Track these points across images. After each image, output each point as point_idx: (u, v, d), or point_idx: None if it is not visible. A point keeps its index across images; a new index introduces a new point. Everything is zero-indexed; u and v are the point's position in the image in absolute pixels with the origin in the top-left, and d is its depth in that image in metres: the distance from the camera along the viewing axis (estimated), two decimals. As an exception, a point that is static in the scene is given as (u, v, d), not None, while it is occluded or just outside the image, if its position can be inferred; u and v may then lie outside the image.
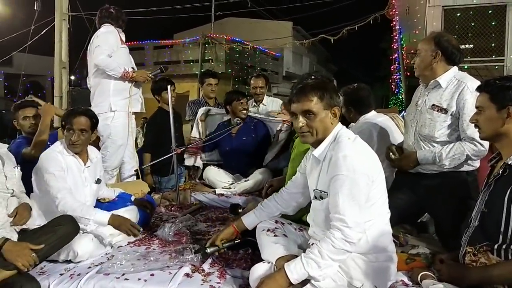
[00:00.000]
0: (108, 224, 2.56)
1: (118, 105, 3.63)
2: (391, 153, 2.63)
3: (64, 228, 2.30)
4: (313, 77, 2.02)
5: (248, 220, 2.26)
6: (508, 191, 1.71)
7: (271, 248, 1.95)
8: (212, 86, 4.73)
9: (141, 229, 2.65)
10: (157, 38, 14.13)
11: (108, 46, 3.60)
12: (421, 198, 2.55)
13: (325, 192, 1.89)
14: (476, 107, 1.94)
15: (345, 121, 2.96)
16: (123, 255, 2.49)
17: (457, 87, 2.41)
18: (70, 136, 2.62)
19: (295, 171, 2.36)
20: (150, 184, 4.07)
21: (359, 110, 3.04)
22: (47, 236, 2.22)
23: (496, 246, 1.74)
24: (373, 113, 3.07)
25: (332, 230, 1.76)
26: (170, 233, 2.74)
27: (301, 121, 1.92)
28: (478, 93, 1.97)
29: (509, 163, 1.78)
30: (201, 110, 4.40)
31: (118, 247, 2.64)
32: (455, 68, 2.50)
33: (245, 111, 4.07)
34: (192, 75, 12.59)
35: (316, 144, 1.97)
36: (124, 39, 3.78)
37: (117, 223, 2.58)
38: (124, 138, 3.63)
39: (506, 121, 1.81)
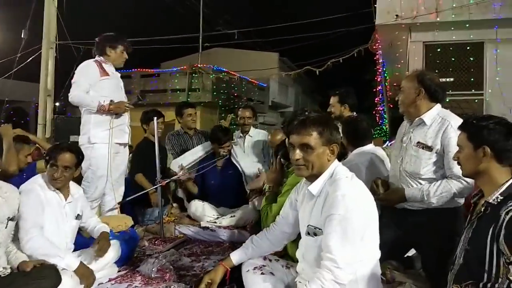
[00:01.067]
0: (74, 271, 2.41)
1: (98, 137, 3.57)
2: (376, 187, 2.62)
3: (48, 282, 2.21)
4: (307, 112, 2.05)
5: (237, 257, 2.21)
6: (490, 230, 1.71)
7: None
8: (192, 116, 4.73)
9: None
10: (144, 66, 14.21)
11: (85, 81, 3.55)
12: (407, 234, 2.55)
13: (319, 229, 1.86)
14: (458, 145, 1.97)
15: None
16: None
17: (441, 125, 2.45)
18: (53, 171, 2.55)
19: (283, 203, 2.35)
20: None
21: (353, 141, 3.05)
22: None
23: (481, 285, 1.72)
24: (370, 146, 3.07)
25: (322, 270, 1.74)
26: (153, 269, 2.67)
27: (298, 153, 1.92)
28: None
29: (490, 201, 1.78)
30: (174, 164, 4.26)
31: (98, 284, 2.56)
32: (438, 105, 2.55)
33: (226, 150, 4.13)
34: (179, 104, 12.62)
35: (311, 178, 1.96)
36: (109, 69, 3.68)
37: (81, 274, 2.43)
38: (104, 170, 3.54)
39: (483, 160, 1.82)
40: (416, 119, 2.55)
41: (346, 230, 1.74)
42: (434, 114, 2.51)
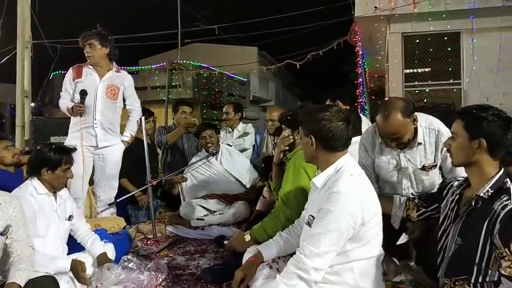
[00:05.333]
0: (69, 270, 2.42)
1: (71, 138, 3.59)
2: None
3: None
4: (305, 107, 2.07)
5: (268, 253, 2.15)
6: (485, 225, 1.70)
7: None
8: (186, 114, 4.71)
9: (92, 283, 2.48)
10: (122, 64, 13.97)
11: (63, 88, 3.70)
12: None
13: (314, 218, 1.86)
14: (451, 132, 1.94)
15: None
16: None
17: (433, 138, 2.43)
18: (67, 174, 2.58)
19: (295, 186, 2.37)
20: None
21: None
22: None
23: (472, 279, 1.74)
24: (359, 137, 3.08)
25: (292, 258, 1.81)
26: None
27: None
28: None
29: (480, 195, 1.76)
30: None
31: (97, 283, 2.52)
32: (417, 115, 2.41)
33: (210, 145, 4.11)
34: (159, 101, 12.45)
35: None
36: (86, 71, 3.65)
37: (72, 268, 2.43)
38: (79, 170, 3.47)
39: (476, 151, 1.79)
40: (411, 143, 2.44)
41: (329, 224, 1.74)
42: (421, 132, 2.44)
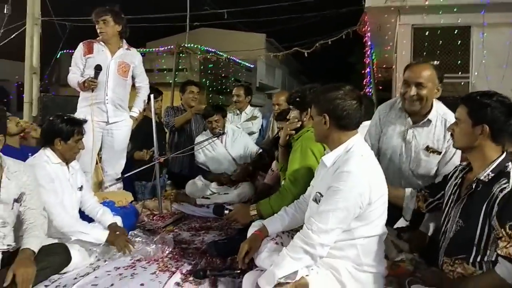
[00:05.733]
0: (106, 241, 2.57)
1: (80, 113, 3.61)
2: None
3: (58, 259, 2.29)
4: (314, 88, 2.10)
5: (273, 228, 2.19)
6: (484, 207, 1.77)
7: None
8: (194, 94, 4.75)
9: (135, 245, 2.63)
10: (130, 45, 13.93)
11: (72, 63, 3.73)
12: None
13: (322, 196, 1.90)
14: (456, 118, 1.99)
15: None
16: (109, 266, 2.47)
17: (444, 127, 2.47)
18: (79, 145, 2.67)
19: (303, 167, 2.41)
20: None
21: None
22: (40, 265, 2.16)
23: (471, 259, 1.81)
24: (369, 121, 3.11)
25: (299, 232, 1.84)
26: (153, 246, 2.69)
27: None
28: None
29: (481, 178, 1.83)
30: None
31: (103, 258, 2.61)
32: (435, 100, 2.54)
33: (217, 129, 4.12)
34: (166, 84, 12.46)
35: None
36: (97, 47, 3.69)
37: (113, 239, 2.58)
38: (89, 144, 3.51)
39: (479, 137, 1.84)
40: (425, 119, 2.51)
41: (337, 202, 1.78)
42: (435, 111, 2.51)
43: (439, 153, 2.52)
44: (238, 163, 4.25)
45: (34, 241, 2.21)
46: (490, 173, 1.82)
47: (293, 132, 2.76)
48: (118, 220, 2.86)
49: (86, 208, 2.85)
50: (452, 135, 2.01)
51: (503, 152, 1.87)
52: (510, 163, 1.84)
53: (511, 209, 1.69)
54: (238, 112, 4.93)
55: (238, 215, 2.66)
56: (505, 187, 1.74)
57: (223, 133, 4.14)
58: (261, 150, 4.27)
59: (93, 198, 2.92)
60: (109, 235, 2.60)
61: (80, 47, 3.73)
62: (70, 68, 3.75)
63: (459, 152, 2.45)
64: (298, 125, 2.74)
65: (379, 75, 11.07)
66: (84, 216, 2.81)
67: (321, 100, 1.97)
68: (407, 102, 2.49)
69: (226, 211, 2.76)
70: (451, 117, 2.44)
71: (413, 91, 2.43)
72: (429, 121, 2.52)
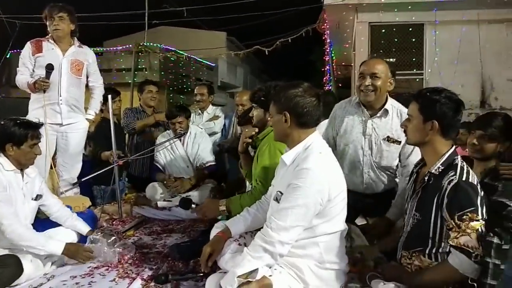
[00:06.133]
0: (62, 254, 2.43)
1: (32, 115, 3.43)
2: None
3: (8, 271, 2.16)
4: (277, 86, 2.07)
5: (236, 229, 2.15)
6: (435, 199, 1.83)
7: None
8: (152, 93, 4.66)
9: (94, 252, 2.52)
10: (86, 45, 13.45)
11: (20, 64, 3.57)
12: (361, 210, 2.73)
13: (282, 194, 1.88)
14: (408, 114, 2.04)
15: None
16: (65, 275, 2.36)
17: (400, 117, 2.60)
18: (34, 150, 2.50)
19: (272, 167, 2.34)
20: None
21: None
22: None
23: (427, 251, 1.87)
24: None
25: (260, 231, 1.84)
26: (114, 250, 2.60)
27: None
28: None
29: (432, 171, 1.89)
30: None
31: (57, 267, 2.49)
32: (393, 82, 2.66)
33: (179, 129, 4.01)
34: (125, 84, 12.16)
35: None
36: (47, 45, 3.54)
37: (72, 252, 2.45)
38: (42, 148, 3.34)
39: (430, 133, 1.90)
40: (382, 110, 2.63)
41: (296, 200, 1.78)
42: (390, 104, 2.64)
43: (399, 142, 2.61)
44: (193, 165, 4.16)
45: None
46: (440, 166, 1.88)
47: (250, 140, 2.72)
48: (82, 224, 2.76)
49: (53, 213, 2.71)
50: (405, 131, 2.06)
51: (452, 146, 1.94)
52: (458, 156, 1.91)
53: (459, 200, 1.76)
54: (200, 111, 4.84)
55: (206, 209, 2.59)
56: (452, 179, 1.80)
57: (184, 134, 4.06)
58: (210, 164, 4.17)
59: (59, 204, 2.77)
60: (66, 248, 2.44)
61: (28, 46, 3.56)
62: (17, 69, 3.58)
63: None
64: (254, 133, 2.69)
65: (339, 72, 11.26)
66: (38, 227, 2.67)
67: (281, 98, 1.96)
68: (363, 93, 2.60)
69: (193, 205, 2.66)
70: (405, 110, 2.52)
71: (367, 81, 2.55)
72: (386, 111, 2.62)
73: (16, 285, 2.22)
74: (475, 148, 2.15)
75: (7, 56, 10.87)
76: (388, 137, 2.62)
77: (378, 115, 2.64)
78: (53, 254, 2.43)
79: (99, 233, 2.69)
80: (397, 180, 2.76)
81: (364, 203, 2.76)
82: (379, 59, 2.66)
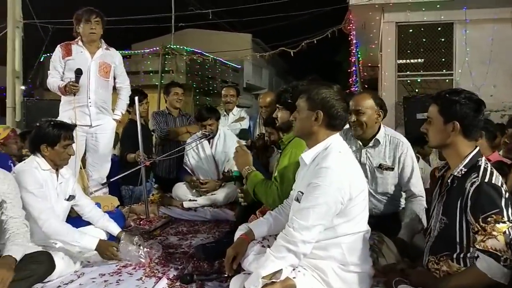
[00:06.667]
0: (95, 250, 2.50)
1: (63, 117, 3.54)
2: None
3: (42, 268, 2.23)
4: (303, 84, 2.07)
5: (259, 232, 2.16)
6: (458, 203, 1.79)
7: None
8: (178, 95, 4.72)
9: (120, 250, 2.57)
10: (115, 48, 13.79)
11: (51, 67, 3.70)
12: None
13: (303, 194, 1.88)
14: (427, 117, 2.00)
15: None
16: (94, 272, 2.43)
17: (393, 145, 2.69)
18: (68, 151, 2.60)
19: (292, 164, 2.37)
20: None
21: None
22: (23, 274, 2.11)
23: (455, 255, 1.82)
24: None
25: (282, 232, 1.84)
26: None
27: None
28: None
29: (455, 174, 1.85)
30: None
31: (83, 267, 2.55)
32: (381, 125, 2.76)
33: (209, 131, 4.02)
34: (152, 86, 12.38)
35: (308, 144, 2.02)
36: (76, 49, 3.65)
37: (103, 249, 2.52)
38: None
39: (451, 134, 1.86)
40: (373, 140, 2.71)
41: (318, 198, 1.78)
42: (382, 132, 2.71)
43: (392, 169, 2.69)
44: (218, 166, 4.16)
45: (17, 250, 2.16)
46: (463, 168, 1.84)
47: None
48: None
49: (85, 215, 2.80)
50: (426, 134, 2.02)
51: (475, 147, 1.89)
52: (482, 157, 1.87)
53: (482, 202, 1.71)
54: (225, 113, 4.89)
55: (239, 156, 2.67)
56: (475, 181, 1.75)
57: (213, 136, 4.07)
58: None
59: (91, 205, 2.86)
60: (99, 244, 2.51)
61: (58, 50, 3.69)
62: (49, 72, 3.71)
63: (416, 165, 2.69)
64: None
65: (365, 73, 11.12)
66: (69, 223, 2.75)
67: (315, 96, 1.95)
68: (352, 128, 2.74)
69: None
70: (399, 136, 2.72)
71: (353, 118, 2.66)
72: (378, 141, 2.71)
73: (49, 281, 2.30)
74: (508, 147, 2.09)
75: (41, 60, 11.25)
76: (380, 164, 2.70)
77: (370, 145, 2.73)
78: (87, 249, 2.51)
79: (131, 236, 2.74)
80: (402, 200, 2.80)
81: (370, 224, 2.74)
82: (364, 94, 2.77)
